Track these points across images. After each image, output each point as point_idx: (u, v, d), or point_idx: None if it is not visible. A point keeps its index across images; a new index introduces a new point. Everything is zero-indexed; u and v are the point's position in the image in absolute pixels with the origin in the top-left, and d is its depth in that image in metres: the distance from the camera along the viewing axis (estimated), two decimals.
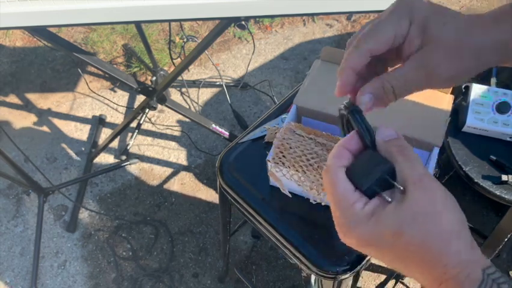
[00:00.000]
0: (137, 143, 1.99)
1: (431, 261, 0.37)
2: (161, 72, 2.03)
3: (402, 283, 1.59)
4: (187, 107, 2.09)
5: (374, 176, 0.40)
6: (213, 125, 1.75)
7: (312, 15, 2.29)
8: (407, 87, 0.42)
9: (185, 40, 1.94)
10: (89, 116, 2.09)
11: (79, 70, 2.13)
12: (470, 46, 0.41)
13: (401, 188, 0.39)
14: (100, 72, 2.14)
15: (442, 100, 0.90)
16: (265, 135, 0.98)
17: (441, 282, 0.36)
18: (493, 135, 1.09)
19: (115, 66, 2.07)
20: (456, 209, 0.38)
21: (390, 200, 0.39)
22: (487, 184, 1.04)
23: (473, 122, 1.08)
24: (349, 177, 0.41)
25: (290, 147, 0.85)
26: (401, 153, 0.41)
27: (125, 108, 2.11)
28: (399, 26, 0.42)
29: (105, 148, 1.89)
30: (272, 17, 2.06)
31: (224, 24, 1.16)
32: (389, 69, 0.46)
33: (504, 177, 1.03)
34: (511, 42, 0.41)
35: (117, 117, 2.08)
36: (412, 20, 0.42)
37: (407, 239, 0.37)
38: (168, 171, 1.91)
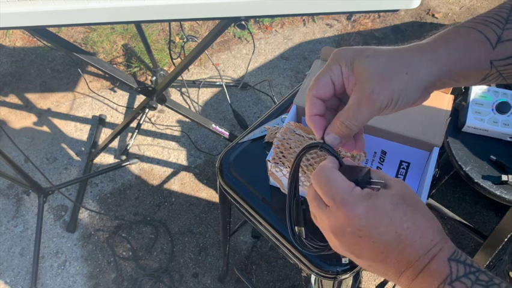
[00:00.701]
0: (137, 143, 1.99)
1: (422, 229, 0.44)
2: (161, 72, 2.03)
3: None
4: (187, 107, 2.09)
5: (361, 174, 0.48)
6: (213, 125, 1.75)
7: (312, 15, 2.29)
8: (358, 117, 0.49)
9: (185, 40, 1.94)
10: (89, 116, 2.09)
11: (79, 70, 2.13)
12: (396, 67, 0.48)
13: (383, 182, 0.47)
14: (100, 72, 2.14)
15: (442, 100, 0.90)
16: (265, 135, 0.98)
17: (429, 249, 0.43)
18: (493, 135, 1.09)
19: (115, 66, 2.07)
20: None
21: (378, 189, 0.47)
22: (487, 184, 1.04)
23: (473, 122, 1.08)
24: None
25: (290, 147, 0.85)
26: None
27: (125, 108, 2.11)
28: (332, 72, 0.50)
29: (105, 148, 1.89)
30: (272, 17, 2.06)
31: (224, 24, 1.16)
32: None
33: (504, 177, 1.03)
34: (436, 61, 0.48)
35: (117, 117, 2.09)
36: (341, 64, 0.50)
37: (403, 209, 0.44)
38: (168, 171, 1.91)
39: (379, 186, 0.47)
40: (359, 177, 0.47)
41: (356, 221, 0.44)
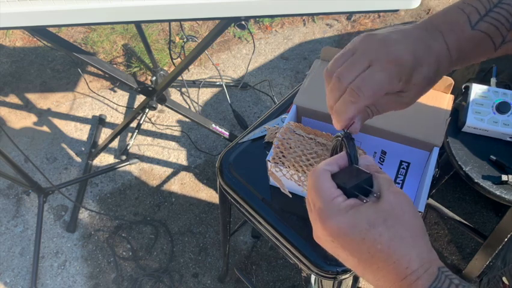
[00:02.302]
0: (137, 143, 1.99)
1: (397, 256, 0.41)
2: (161, 72, 2.03)
3: None
4: (187, 107, 2.09)
5: (356, 180, 0.46)
6: (213, 125, 1.75)
7: (312, 15, 2.29)
8: (369, 80, 0.48)
9: (185, 40, 1.94)
10: (89, 116, 2.09)
11: (79, 70, 2.13)
12: (413, 38, 0.50)
13: (377, 193, 0.45)
14: (100, 72, 2.14)
15: (442, 100, 0.90)
16: (265, 135, 0.98)
17: (404, 277, 0.41)
18: (493, 135, 1.09)
19: (115, 66, 2.07)
20: (419, 217, 0.45)
21: (366, 200, 0.45)
22: (487, 184, 1.04)
23: (473, 122, 1.08)
24: (333, 180, 0.47)
25: (290, 147, 0.85)
26: (378, 172, 0.48)
27: (125, 108, 2.11)
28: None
29: (105, 148, 1.89)
30: (272, 17, 2.06)
31: (224, 24, 1.16)
32: None
33: (504, 177, 1.03)
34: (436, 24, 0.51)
35: (117, 117, 2.08)
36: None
37: (379, 231, 0.42)
38: (168, 171, 1.91)
39: (367, 200, 0.45)
40: (351, 185, 0.46)
41: (328, 232, 0.44)
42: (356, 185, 0.46)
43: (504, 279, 0.87)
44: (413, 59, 0.49)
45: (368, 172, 0.47)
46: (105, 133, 2.03)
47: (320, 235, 0.45)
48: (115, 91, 2.16)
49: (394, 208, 0.43)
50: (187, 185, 1.88)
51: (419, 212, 0.77)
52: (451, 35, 0.50)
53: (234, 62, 2.25)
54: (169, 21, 1.30)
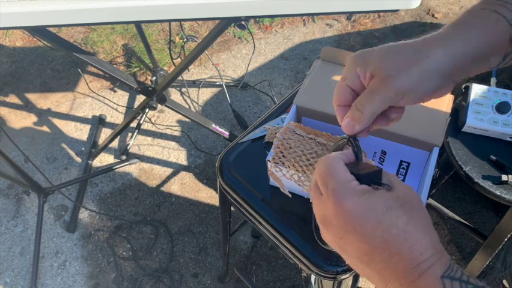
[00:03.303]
0: (137, 143, 1.99)
1: (413, 240, 0.40)
2: (161, 72, 2.03)
3: None
4: (187, 107, 2.09)
5: (369, 170, 0.46)
6: (213, 125, 1.75)
7: (312, 15, 2.29)
8: (371, 100, 0.49)
9: (185, 40, 1.94)
10: (89, 116, 2.09)
11: (79, 70, 2.13)
12: (415, 54, 0.48)
13: (389, 185, 0.45)
14: (100, 72, 2.14)
15: (442, 100, 0.90)
16: (265, 135, 0.98)
17: (416, 264, 0.40)
18: (493, 135, 1.09)
19: (115, 66, 2.07)
20: (427, 212, 0.45)
21: (380, 189, 0.45)
22: (487, 184, 1.04)
23: (473, 122, 1.08)
24: None
25: (290, 147, 0.85)
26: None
27: (125, 108, 2.11)
28: (346, 79, 0.52)
29: (105, 148, 1.89)
30: (272, 17, 2.06)
31: (224, 24, 1.16)
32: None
33: (504, 177, 1.03)
34: (450, 40, 0.48)
35: (117, 117, 2.09)
36: (356, 67, 0.51)
37: (396, 214, 0.41)
38: (168, 171, 1.91)
39: (381, 187, 0.45)
40: (364, 173, 0.46)
41: (342, 214, 0.42)
42: (368, 174, 0.46)
43: (504, 282, 0.87)
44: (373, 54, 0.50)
45: (377, 166, 0.47)
46: (105, 133, 2.03)
47: (332, 219, 0.44)
48: (115, 91, 2.16)
49: (408, 197, 0.43)
50: (187, 185, 1.88)
51: None
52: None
53: (234, 62, 2.25)
54: (169, 21, 1.30)
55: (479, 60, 0.48)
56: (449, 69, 0.47)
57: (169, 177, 1.90)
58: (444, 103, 0.90)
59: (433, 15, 2.38)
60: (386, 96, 0.48)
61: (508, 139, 1.08)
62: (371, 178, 0.46)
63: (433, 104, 0.89)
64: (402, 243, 0.40)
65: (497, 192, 1.03)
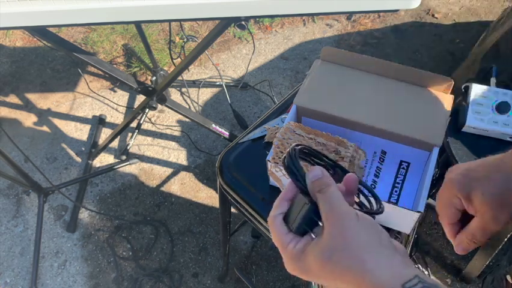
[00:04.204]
0: (137, 143, 1.99)
1: (354, 284, 0.42)
2: (161, 72, 2.03)
3: None
4: (187, 107, 2.09)
5: (299, 218, 0.46)
6: (213, 125, 1.75)
7: (312, 15, 2.29)
8: (483, 238, 0.55)
9: (185, 40, 1.94)
10: (89, 116, 2.09)
11: (79, 70, 2.14)
12: (509, 192, 0.52)
13: (321, 224, 0.45)
14: (100, 72, 2.14)
15: (442, 100, 0.90)
16: (265, 135, 0.98)
17: None
18: (493, 135, 1.09)
19: (115, 66, 2.07)
20: (370, 231, 0.44)
21: (314, 236, 0.45)
22: None
23: (473, 122, 1.08)
24: (285, 221, 0.48)
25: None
26: (321, 192, 0.46)
27: (125, 108, 2.11)
28: (455, 204, 0.55)
29: (105, 148, 1.89)
30: (272, 17, 2.06)
31: (224, 24, 1.16)
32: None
33: None
34: None
35: (117, 117, 2.09)
36: (460, 196, 0.54)
37: (330, 269, 0.43)
38: (168, 171, 1.91)
39: (314, 236, 0.45)
40: (296, 225, 0.46)
41: (295, 272, 0.47)
42: (301, 222, 0.46)
43: (508, 277, 0.88)
44: (471, 182, 0.54)
45: (312, 201, 0.46)
46: (105, 133, 2.03)
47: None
48: (115, 91, 2.16)
49: (335, 239, 0.43)
50: (187, 185, 1.88)
51: (419, 212, 0.77)
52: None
53: (234, 62, 2.25)
54: (169, 21, 1.30)
55: None
56: None
57: (169, 177, 1.90)
58: (445, 103, 0.90)
59: (433, 15, 2.38)
60: (494, 232, 0.53)
61: (508, 139, 1.08)
62: (306, 222, 0.46)
63: (433, 104, 0.89)
64: (349, 286, 0.43)
65: None
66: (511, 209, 0.51)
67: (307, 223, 0.46)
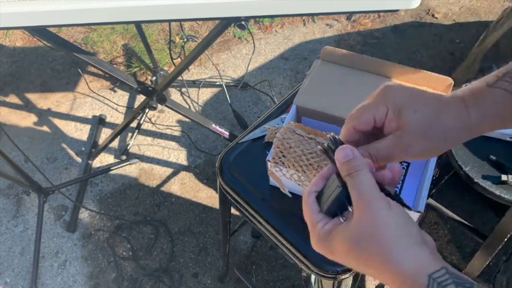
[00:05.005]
0: (137, 143, 1.99)
1: (378, 272, 0.43)
2: (161, 72, 2.03)
3: None
4: (187, 107, 2.09)
5: (330, 200, 0.47)
6: (213, 125, 1.75)
7: (312, 15, 2.29)
8: (383, 157, 0.50)
9: (185, 40, 1.94)
10: (89, 116, 2.09)
11: (79, 70, 2.14)
12: (437, 131, 0.49)
13: (351, 210, 0.45)
14: (100, 72, 2.14)
15: None
16: (265, 135, 0.98)
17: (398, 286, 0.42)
18: (493, 135, 1.09)
19: (115, 66, 2.07)
20: (398, 221, 0.43)
21: (343, 220, 0.46)
22: (487, 184, 1.04)
23: None
24: (318, 200, 0.49)
25: (290, 147, 0.85)
26: (351, 176, 0.46)
27: (125, 108, 2.11)
28: (377, 111, 0.50)
29: (105, 148, 1.89)
30: (272, 17, 2.06)
31: (224, 24, 1.16)
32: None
33: (504, 177, 1.03)
34: (474, 127, 0.49)
35: (117, 117, 2.09)
36: (389, 107, 0.50)
37: (356, 254, 0.44)
38: (168, 171, 1.91)
39: (343, 219, 0.46)
40: (327, 207, 0.47)
41: (320, 251, 0.48)
42: (331, 204, 0.47)
43: None
44: (403, 97, 0.50)
45: (343, 184, 0.46)
46: (105, 133, 2.03)
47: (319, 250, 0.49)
48: (115, 91, 2.16)
49: (364, 226, 0.43)
50: (187, 185, 1.88)
51: (419, 212, 0.77)
52: (465, 89, 0.51)
53: (234, 62, 2.25)
54: (169, 21, 1.30)
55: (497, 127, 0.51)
56: (459, 139, 0.50)
57: (169, 177, 1.90)
58: None
59: (433, 15, 2.38)
60: (400, 159, 0.50)
61: (508, 139, 1.08)
62: (336, 205, 0.46)
63: None
64: (374, 273, 0.43)
65: (497, 192, 1.03)
66: (428, 144, 0.49)
67: (338, 206, 0.46)
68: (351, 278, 0.85)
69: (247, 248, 1.72)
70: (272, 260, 1.69)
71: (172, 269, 1.69)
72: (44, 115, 2.09)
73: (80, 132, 2.04)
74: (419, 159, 0.52)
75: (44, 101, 2.14)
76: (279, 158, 0.84)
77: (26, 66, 2.26)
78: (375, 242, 0.42)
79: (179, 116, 2.02)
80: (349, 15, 2.41)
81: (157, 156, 1.96)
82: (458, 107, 0.49)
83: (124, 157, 1.92)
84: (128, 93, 2.15)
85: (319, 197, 0.49)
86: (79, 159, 1.96)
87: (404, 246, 0.42)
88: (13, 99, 2.15)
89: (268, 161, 0.84)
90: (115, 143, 1.97)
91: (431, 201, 1.51)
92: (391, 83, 0.52)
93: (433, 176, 0.81)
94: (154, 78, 2.02)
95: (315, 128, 0.87)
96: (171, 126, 2.04)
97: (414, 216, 0.78)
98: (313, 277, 0.87)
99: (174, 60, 2.04)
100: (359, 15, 2.39)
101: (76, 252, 1.73)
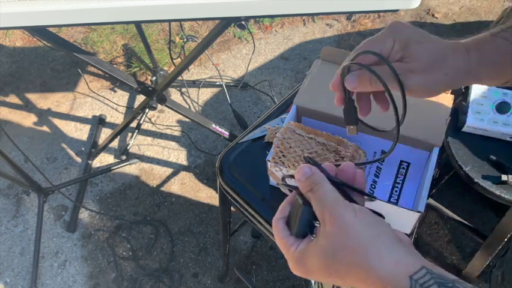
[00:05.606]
0: (137, 143, 1.99)
1: (362, 283, 0.41)
2: (161, 72, 2.03)
3: None
4: (187, 107, 2.09)
5: (297, 220, 0.46)
6: (213, 125, 1.75)
7: (312, 15, 2.29)
8: (387, 76, 0.52)
9: (185, 40, 1.94)
10: (89, 116, 2.09)
11: (79, 70, 2.14)
12: (439, 65, 0.52)
13: (317, 225, 0.45)
14: (100, 72, 2.14)
15: (442, 100, 0.90)
16: (265, 135, 0.98)
17: None
18: (493, 135, 1.09)
19: (115, 66, 2.07)
20: (369, 225, 0.43)
21: (313, 238, 0.45)
22: (487, 184, 1.04)
23: (473, 122, 1.08)
24: (288, 226, 0.49)
25: (290, 147, 0.85)
26: (312, 191, 0.46)
27: (125, 108, 2.11)
28: (383, 44, 0.54)
29: (105, 148, 1.89)
30: (272, 17, 2.06)
31: (224, 24, 1.16)
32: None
33: (504, 177, 1.03)
34: (472, 70, 0.53)
35: (117, 117, 2.09)
36: (396, 40, 0.54)
37: (335, 268, 0.42)
38: (168, 171, 1.91)
39: (313, 237, 0.45)
40: (296, 229, 0.47)
41: (300, 274, 0.47)
42: (298, 225, 0.46)
43: None
44: (411, 32, 0.54)
45: (306, 203, 0.46)
46: (105, 133, 2.03)
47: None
48: (115, 91, 2.16)
49: (335, 238, 0.42)
50: (187, 185, 1.88)
51: (419, 212, 0.77)
52: (469, 39, 0.54)
53: (234, 62, 2.25)
54: (169, 21, 1.30)
55: (489, 78, 0.55)
56: (459, 80, 0.53)
57: (169, 177, 1.90)
58: (445, 103, 0.90)
59: (433, 15, 2.38)
60: (403, 85, 0.52)
61: (508, 139, 1.08)
62: (305, 225, 0.46)
63: (433, 104, 0.89)
64: (354, 285, 0.43)
65: (497, 192, 1.03)
66: (429, 75, 0.51)
67: (305, 225, 0.46)
68: None
69: (247, 248, 1.72)
70: (272, 260, 1.69)
71: (172, 269, 1.69)
72: (44, 115, 2.09)
73: (80, 132, 2.04)
74: (417, 93, 0.53)
75: (44, 101, 2.14)
76: (279, 158, 0.84)
77: (26, 66, 2.26)
78: (350, 251, 0.41)
79: (179, 116, 2.02)
80: (349, 15, 2.41)
81: (157, 156, 1.96)
82: (460, 50, 0.53)
83: (124, 157, 1.92)
84: (128, 93, 2.15)
85: (288, 222, 0.49)
86: (78, 159, 1.96)
87: (378, 250, 0.41)
88: (13, 99, 2.15)
89: (268, 161, 0.84)
90: (114, 143, 1.97)
91: (431, 201, 1.51)
92: (398, 21, 0.55)
93: (433, 176, 0.81)
94: (154, 78, 2.02)
95: (315, 128, 0.87)
96: (171, 126, 2.04)
97: (414, 216, 0.78)
98: None
99: (174, 60, 2.04)
100: (359, 15, 2.39)
101: (76, 252, 1.73)
